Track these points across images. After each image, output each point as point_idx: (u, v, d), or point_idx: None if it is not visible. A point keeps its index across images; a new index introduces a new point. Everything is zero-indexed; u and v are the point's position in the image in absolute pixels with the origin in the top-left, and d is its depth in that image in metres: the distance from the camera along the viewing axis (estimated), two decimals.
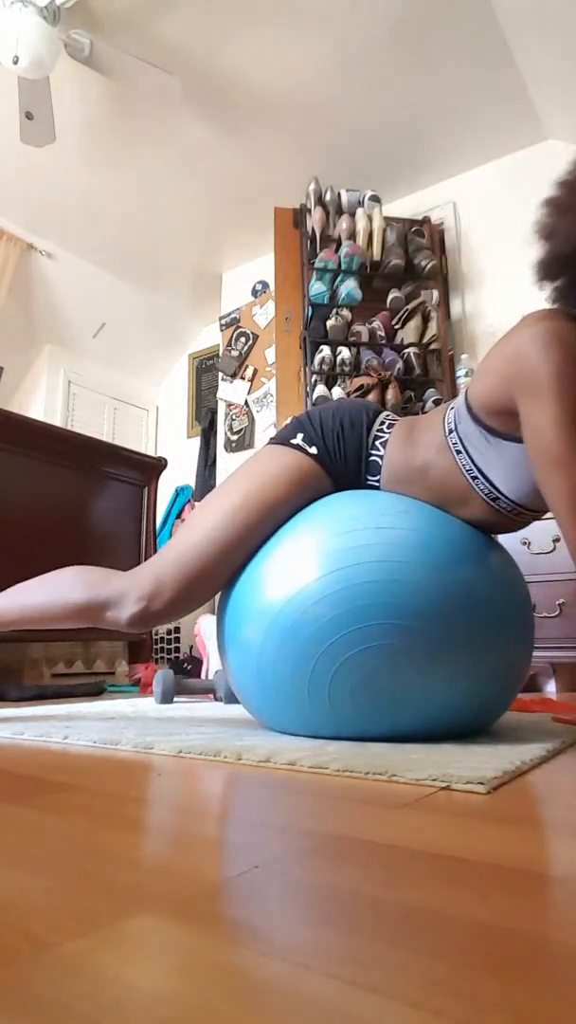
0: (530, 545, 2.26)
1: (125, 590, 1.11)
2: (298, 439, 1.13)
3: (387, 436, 1.10)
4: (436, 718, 0.95)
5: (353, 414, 1.13)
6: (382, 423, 1.12)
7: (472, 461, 1.01)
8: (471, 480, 1.02)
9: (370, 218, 3.05)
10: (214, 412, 4.23)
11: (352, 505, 1.03)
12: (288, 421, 1.17)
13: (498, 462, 0.99)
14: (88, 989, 0.27)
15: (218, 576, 1.09)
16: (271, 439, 1.17)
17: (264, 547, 1.07)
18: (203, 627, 2.26)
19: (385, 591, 0.92)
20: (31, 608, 1.17)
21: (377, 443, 1.10)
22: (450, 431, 1.03)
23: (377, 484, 1.10)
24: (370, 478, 1.10)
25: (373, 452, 1.10)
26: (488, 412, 0.98)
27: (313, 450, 1.11)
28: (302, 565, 0.98)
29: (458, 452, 1.02)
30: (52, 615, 1.16)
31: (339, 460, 1.10)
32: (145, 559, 2.84)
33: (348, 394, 2.82)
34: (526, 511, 1.04)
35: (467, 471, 1.02)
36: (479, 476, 1.01)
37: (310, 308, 2.99)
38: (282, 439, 1.14)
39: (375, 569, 0.94)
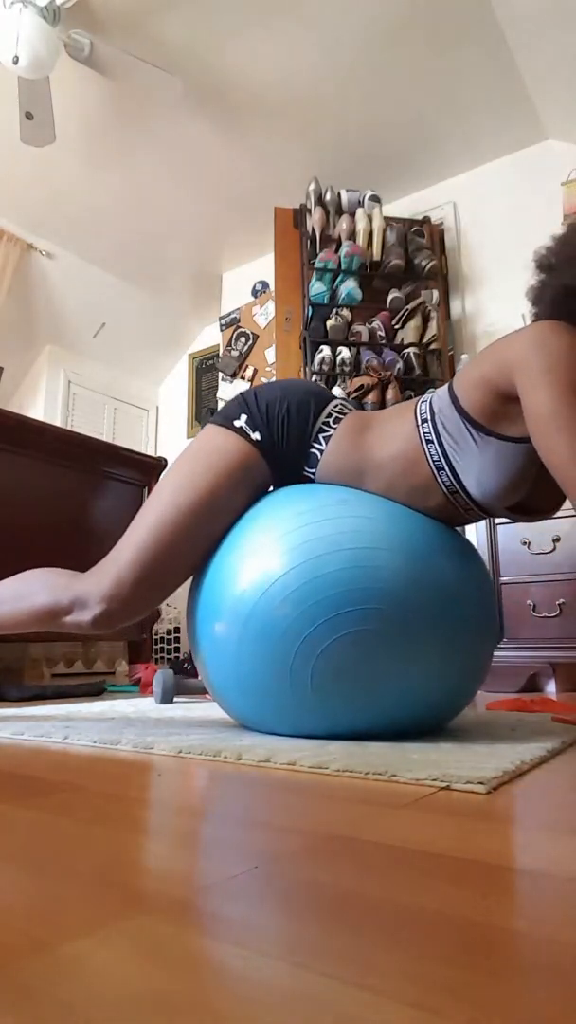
0: (530, 545, 2.26)
1: (86, 593, 1.10)
2: (241, 421, 1.10)
3: (331, 432, 1.08)
4: (415, 699, 0.97)
5: (301, 401, 1.10)
6: (328, 415, 1.10)
7: (442, 452, 1.01)
8: (436, 471, 1.02)
9: (370, 218, 3.05)
10: (214, 412, 4.23)
11: (307, 498, 1.04)
12: (233, 396, 1.16)
13: (475, 458, 0.99)
14: (88, 989, 0.27)
15: (175, 569, 1.09)
16: (213, 417, 1.14)
17: (225, 544, 1.08)
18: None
19: (352, 577, 0.94)
20: None
21: (320, 436, 1.08)
22: (423, 420, 1.03)
23: (312, 475, 1.10)
24: (307, 469, 1.10)
25: (315, 445, 1.09)
26: (477, 405, 0.98)
27: (256, 436, 1.09)
28: (267, 562, 0.99)
29: (428, 442, 1.02)
30: (14, 621, 1.16)
31: (281, 447, 1.09)
32: None
33: (348, 394, 2.82)
34: (478, 510, 1.05)
35: (434, 462, 1.02)
36: (444, 468, 1.01)
37: (310, 308, 2.99)
38: (224, 418, 1.12)
39: (342, 558, 0.95)
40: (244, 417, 1.10)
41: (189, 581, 1.17)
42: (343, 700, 0.96)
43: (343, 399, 1.15)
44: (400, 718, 0.98)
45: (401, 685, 0.95)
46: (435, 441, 1.01)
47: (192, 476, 1.08)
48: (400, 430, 1.05)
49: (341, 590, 0.94)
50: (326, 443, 1.08)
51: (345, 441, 1.07)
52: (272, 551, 0.99)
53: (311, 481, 1.11)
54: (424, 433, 1.02)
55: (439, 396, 1.04)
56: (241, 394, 1.15)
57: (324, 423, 1.09)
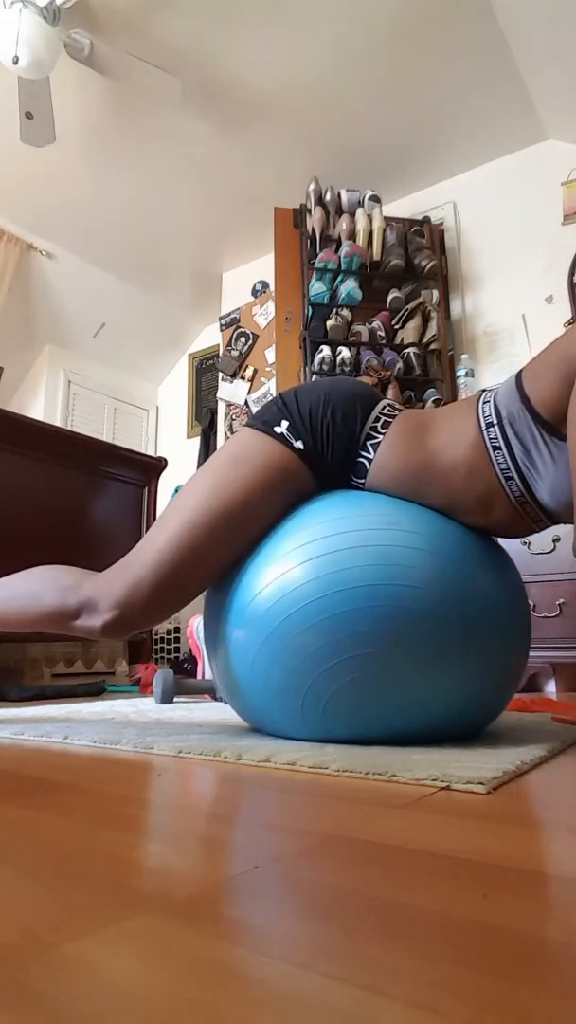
0: (530, 545, 2.26)
1: (98, 597, 1.02)
2: (283, 428, 1.01)
3: (380, 438, 0.99)
4: (437, 720, 0.93)
5: (347, 406, 1.00)
6: (376, 419, 1.00)
7: (511, 460, 0.91)
8: (504, 480, 0.92)
9: (370, 218, 3.05)
10: (214, 412, 4.23)
11: (342, 506, 0.98)
12: (271, 399, 1.06)
13: (548, 465, 0.90)
14: (88, 989, 0.27)
15: (198, 577, 1.01)
16: (251, 420, 1.05)
17: (253, 548, 1.02)
18: (196, 628, 2.26)
19: (381, 594, 0.89)
20: None
21: (368, 444, 0.99)
22: (488, 424, 0.92)
23: (361, 485, 1.01)
24: (355, 479, 1.01)
25: (362, 454, 1.00)
26: (550, 403, 0.87)
27: (299, 444, 1.00)
28: (294, 569, 0.94)
29: (495, 449, 0.92)
30: (16, 620, 1.08)
31: (326, 457, 1.00)
32: None
33: None
34: (548, 520, 0.97)
35: (502, 470, 0.92)
36: (514, 477, 0.92)
37: (310, 308, 2.99)
38: (264, 424, 1.02)
39: (370, 573, 0.90)
40: (285, 424, 1.01)
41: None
42: (350, 720, 0.93)
43: (390, 400, 1.05)
44: (420, 736, 0.94)
45: (422, 706, 0.91)
46: (503, 447, 0.91)
47: (227, 481, 0.99)
48: (461, 434, 0.94)
49: (365, 605, 0.88)
50: (375, 451, 0.98)
51: (398, 448, 0.97)
52: (297, 560, 0.94)
53: (359, 490, 1.03)
54: (491, 439, 0.92)
55: (505, 394, 0.93)
56: (280, 396, 1.05)
57: (372, 428, 0.99)
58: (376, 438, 0.99)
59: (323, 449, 1.00)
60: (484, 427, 0.93)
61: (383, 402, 1.03)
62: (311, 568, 0.92)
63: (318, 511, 0.98)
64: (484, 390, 0.99)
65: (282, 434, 1.01)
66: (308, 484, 1.02)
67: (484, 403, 0.95)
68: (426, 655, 0.89)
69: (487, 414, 0.93)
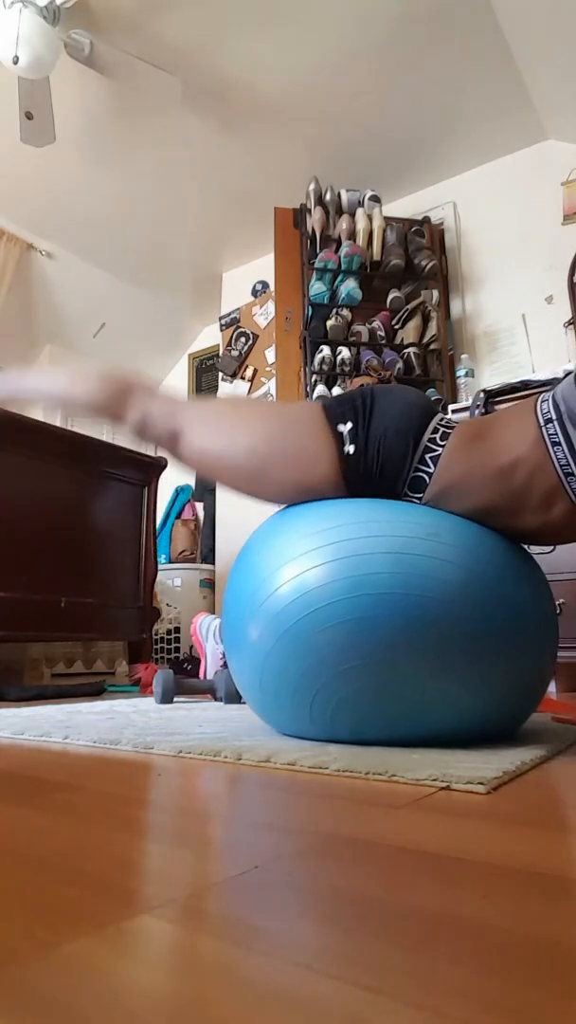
0: (530, 545, 2.26)
1: (181, 418, 1.10)
2: (346, 427, 1.00)
3: (439, 450, 0.97)
4: (446, 734, 0.91)
5: (401, 423, 0.98)
6: (434, 431, 0.98)
7: (572, 456, 0.89)
8: (564, 477, 0.90)
9: (370, 218, 3.05)
10: None
11: (376, 509, 0.96)
12: (353, 390, 1.06)
13: None
14: (88, 989, 0.27)
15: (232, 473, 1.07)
16: (328, 402, 1.05)
17: (273, 548, 1.01)
18: (199, 626, 2.25)
19: (407, 603, 0.87)
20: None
21: (427, 457, 0.97)
22: (547, 421, 0.91)
23: (418, 500, 0.99)
24: (410, 494, 0.98)
25: (421, 468, 0.97)
26: None
27: (350, 449, 0.99)
28: (317, 568, 0.92)
29: (554, 444, 0.89)
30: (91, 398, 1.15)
31: (373, 470, 0.99)
32: (145, 559, 2.85)
33: None
34: None
35: (561, 466, 0.90)
36: (574, 473, 0.89)
37: (310, 308, 2.99)
38: (333, 414, 1.02)
39: (397, 581, 0.88)
40: (350, 425, 1.00)
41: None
42: (368, 722, 0.91)
43: (445, 416, 1.04)
44: (434, 741, 0.92)
45: (442, 713, 0.90)
46: (562, 443, 0.89)
47: (273, 446, 1.03)
48: (521, 433, 0.93)
49: (387, 613, 0.87)
50: (435, 464, 0.96)
51: (458, 455, 0.95)
52: (322, 558, 0.92)
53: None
54: (550, 435, 0.90)
55: (565, 389, 0.91)
56: (360, 394, 1.04)
57: (430, 441, 0.98)
58: (435, 450, 0.97)
59: (372, 462, 0.99)
60: (543, 423, 0.91)
61: (440, 416, 1.02)
62: (336, 568, 0.91)
63: (348, 512, 0.96)
64: (544, 387, 0.96)
65: (342, 434, 1.00)
66: (337, 493, 1.02)
67: (543, 401, 0.94)
68: (444, 669, 0.87)
69: (546, 411, 0.92)
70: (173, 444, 1.11)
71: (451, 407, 2.87)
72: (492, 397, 2.44)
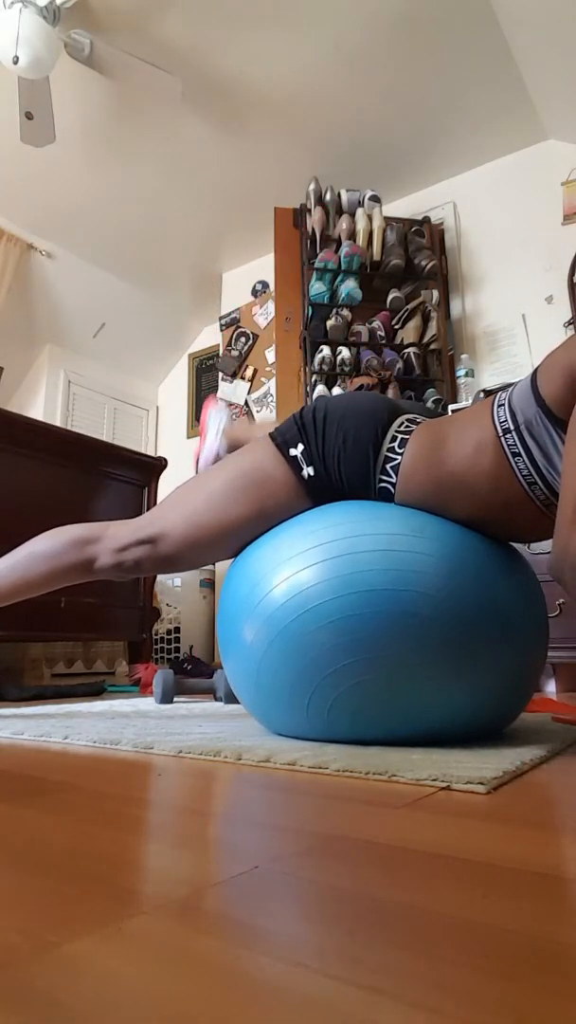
0: (530, 545, 2.26)
1: (119, 529, 1.13)
2: (298, 451, 1.00)
3: (398, 459, 0.95)
4: (443, 727, 0.92)
5: (359, 427, 0.97)
6: (392, 439, 0.97)
7: (532, 466, 0.88)
8: (527, 486, 0.89)
9: (370, 218, 3.05)
10: None
11: (363, 509, 0.97)
12: (291, 416, 1.06)
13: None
14: (88, 989, 0.27)
15: (217, 548, 1.09)
16: (273, 433, 1.06)
17: (262, 545, 1.03)
18: (210, 417, 2.08)
19: (397, 600, 0.88)
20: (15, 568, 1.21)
21: (388, 467, 0.96)
22: (505, 432, 0.89)
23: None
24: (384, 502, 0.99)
25: (383, 479, 0.96)
26: (558, 399, 0.85)
27: (310, 471, 0.99)
28: (308, 569, 0.93)
29: (515, 456, 0.89)
30: (42, 579, 1.19)
31: (342, 484, 0.99)
32: None
33: None
34: None
35: (524, 476, 0.89)
36: (537, 482, 0.89)
37: (310, 308, 2.99)
38: (283, 442, 1.03)
39: (387, 578, 0.89)
40: (301, 447, 1.00)
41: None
42: (365, 719, 0.92)
43: (410, 415, 1.02)
44: (431, 736, 0.93)
45: (433, 716, 0.90)
46: (522, 454, 0.88)
47: (232, 497, 1.04)
48: (480, 444, 0.91)
49: (379, 609, 0.88)
50: (396, 474, 0.95)
51: (418, 465, 0.94)
52: (312, 559, 0.93)
53: None
54: (509, 446, 0.89)
55: (520, 396, 0.90)
56: (300, 415, 1.04)
57: (389, 450, 0.96)
58: (395, 460, 0.96)
59: (335, 479, 0.99)
60: (501, 434, 0.90)
61: (401, 418, 1.00)
62: (326, 568, 0.92)
63: (338, 513, 0.97)
64: (498, 390, 0.96)
65: (295, 457, 1.01)
66: (305, 508, 1.03)
67: (499, 406, 0.92)
68: (437, 663, 0.88)
69: (503, 419, 0.90)
70: (154, 551, 1.11)
71: (451, 407, 2.88)
72: None
